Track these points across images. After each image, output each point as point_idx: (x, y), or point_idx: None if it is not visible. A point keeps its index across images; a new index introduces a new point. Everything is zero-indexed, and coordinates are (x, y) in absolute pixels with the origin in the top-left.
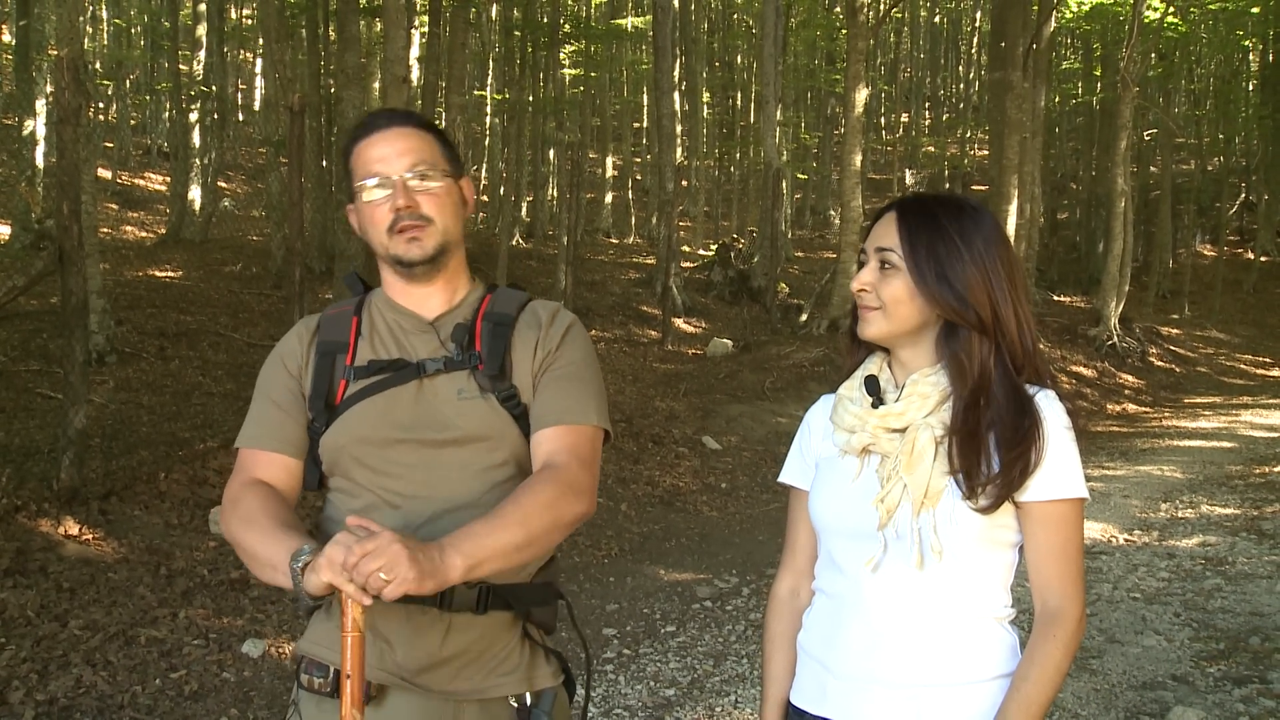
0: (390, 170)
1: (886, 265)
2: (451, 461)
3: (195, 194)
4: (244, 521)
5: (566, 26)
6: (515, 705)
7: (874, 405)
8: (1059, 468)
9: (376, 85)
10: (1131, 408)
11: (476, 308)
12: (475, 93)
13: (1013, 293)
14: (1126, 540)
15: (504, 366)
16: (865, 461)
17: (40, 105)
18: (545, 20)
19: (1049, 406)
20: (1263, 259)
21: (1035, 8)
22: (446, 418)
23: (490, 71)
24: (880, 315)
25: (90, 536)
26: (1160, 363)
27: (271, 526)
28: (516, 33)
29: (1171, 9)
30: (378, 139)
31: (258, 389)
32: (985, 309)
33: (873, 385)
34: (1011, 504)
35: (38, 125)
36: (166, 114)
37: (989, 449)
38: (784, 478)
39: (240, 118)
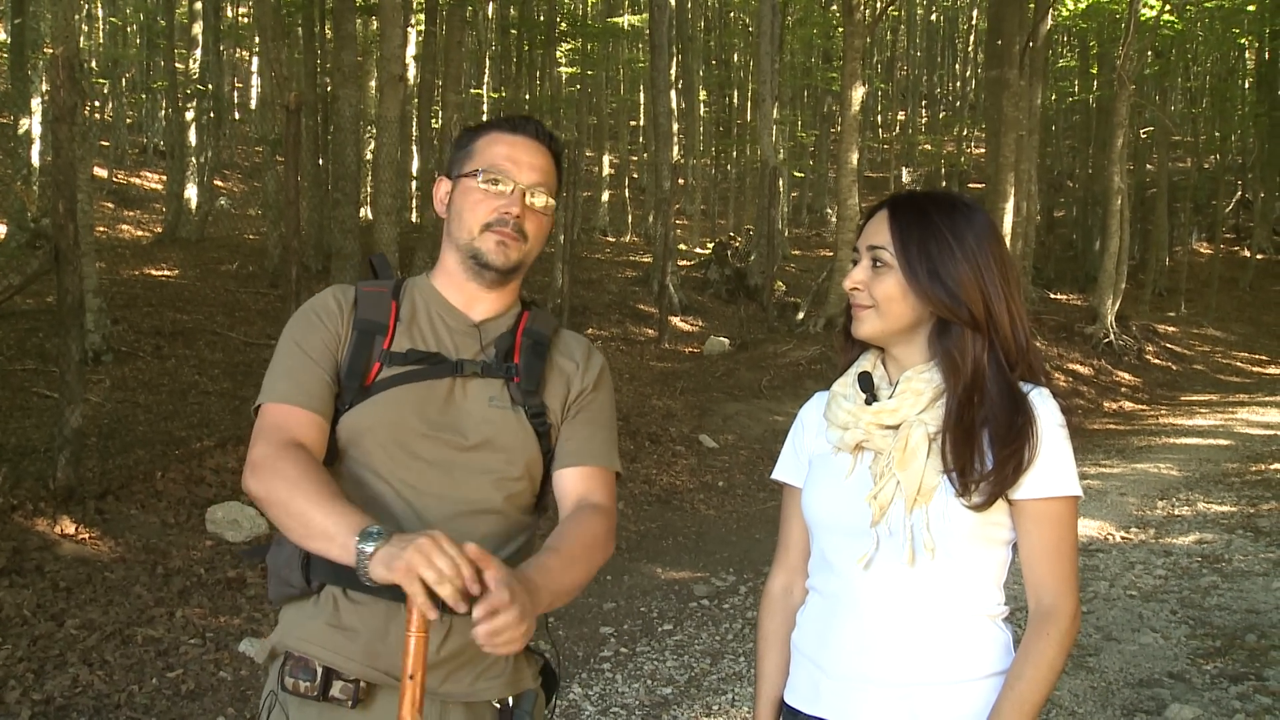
0: (519, 177)
1: (879, 263)
2: (471, 465)
3: (191, 193)
4: (292, 484)
5: (563, 25)
6: (498, 706)
7: (868, 402)
8: (1052, 466)
9: (373, 83)
10: (1128, 405)
11: (516, 322)
12: (472, 91)
13: (1005, 289)
14: (1123, 538)
15: (539, 383)
16: (858, 458)
17: (36, 104)
18: (542, 18)
19: (1043, 404)
20: (1259, 256)
21: (1032, 5)
22: (474, 422)
23: (487, 70)
24: (873, 314)
25: (86, 536)
26: (1157, 360)
27: (326, 495)
28: (513, 31)
29: (1168, 7)
30: (520, 142)
31: (291, 342)
32: (978, 306)
33: (866, 382)
34: (1005, 501)
35: (33, 124)
36: (162, 112)
37: (982, 446)
38: (777, 474)
39: (236, 116)
